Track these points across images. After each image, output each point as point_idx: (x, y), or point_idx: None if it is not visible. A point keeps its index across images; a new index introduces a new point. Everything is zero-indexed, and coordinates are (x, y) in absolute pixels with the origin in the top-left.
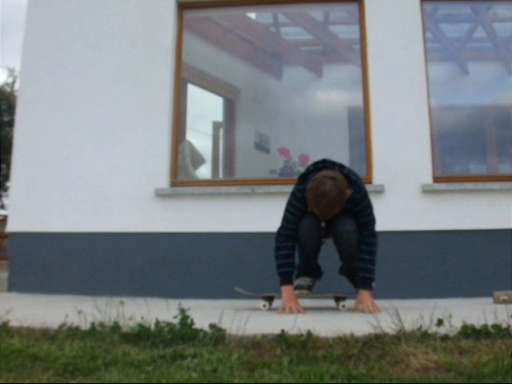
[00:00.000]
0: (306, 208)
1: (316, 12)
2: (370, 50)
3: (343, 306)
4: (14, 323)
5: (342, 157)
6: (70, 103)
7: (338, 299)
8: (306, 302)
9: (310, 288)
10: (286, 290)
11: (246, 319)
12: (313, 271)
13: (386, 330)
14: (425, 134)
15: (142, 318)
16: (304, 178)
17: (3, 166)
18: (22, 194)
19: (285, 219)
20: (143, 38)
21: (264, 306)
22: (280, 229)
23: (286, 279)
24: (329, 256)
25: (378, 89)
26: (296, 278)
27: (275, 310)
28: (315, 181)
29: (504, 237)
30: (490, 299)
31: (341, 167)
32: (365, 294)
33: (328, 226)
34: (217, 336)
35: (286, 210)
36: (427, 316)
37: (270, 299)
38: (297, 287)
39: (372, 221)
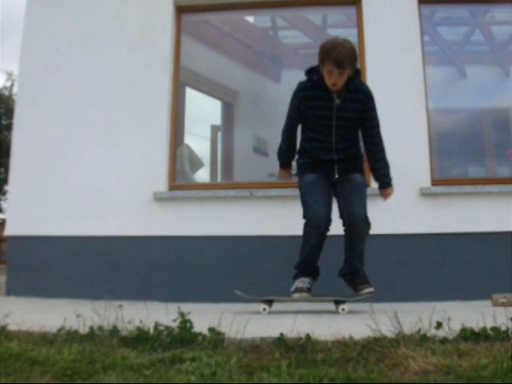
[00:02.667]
0: (303, 105)
1: (314, 15)
2: (368, 53)
3: (343, 310)
4: (12, 327)
5: None
6: (69, 107)
7: (337, 302)
8: (305, 306)
9: (309, 290)
10: (282, 168)
11: (245, 323)
12: (312, 270)
13: (385, 333)
14: (423, 136)
15: (141, 321)
16: (311, 70)
17: (2, 169)
18: (21, 198)
19: (285, 121)
20: (141, 42)
21: (264, 309)
22: (282, 129)
23: (284, 165)
24: (328, 258)
25: (375, 92)
26: (294, 280)
27: (275, 313)
28: (328, 39)
29: (503, 239)
30: (489, 302)
31: None
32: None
33: (337, 188)
34: (216, 339)
35: (287, 112)
36: (426, 319)
37: (269, 302)
38: (296, 290)
39: (378, 124)
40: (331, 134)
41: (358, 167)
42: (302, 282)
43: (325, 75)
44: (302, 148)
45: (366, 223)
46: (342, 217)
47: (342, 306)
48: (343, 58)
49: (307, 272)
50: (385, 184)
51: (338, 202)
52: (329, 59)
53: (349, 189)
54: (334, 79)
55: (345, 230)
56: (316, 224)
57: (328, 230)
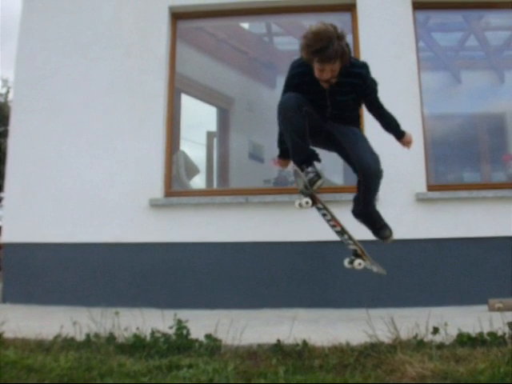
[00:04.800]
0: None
1: (309, 21)
2: (363, 59)
3: (359, 264)
4: (8, 334)
5: (335, 166)
6: (64, 113)
7: (357, 256)
8: (301, 312)
9: (318, 175)
10: (279, 157)
11: (242, 329)
12: (308, 156)
13: (382, 339)
14: (418, 142)
15: (138, 328)
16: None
17: None
18: (17, 205)
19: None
20: (137, 49)
21: (307, 202)
22: None
23: (281, 151)
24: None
25: None
26: (297, 177)
27: (271, 319)
28: (308, 31)
29: (498, 244)
30: (486, 307)
31: None
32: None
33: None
34: (212, 346)
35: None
36: (423, 324)
37: (313, 200)
38: (311, 183)
39: (379, 100)
40: (327, 110)
41: (354, 122)
42: (309, 172)
43: (315, 71)
44: None
45: (379, 168)
46: (353, 164)
47: (359, 261)
48: (324, 48)
49: (305, 161)
50: (399, 134)
51: (343, 151)
52: (314, 57)
53: (352, 136)
54: (325, 76)
55: (358, 175)
56: (282, 106)
57: (298, 110)
